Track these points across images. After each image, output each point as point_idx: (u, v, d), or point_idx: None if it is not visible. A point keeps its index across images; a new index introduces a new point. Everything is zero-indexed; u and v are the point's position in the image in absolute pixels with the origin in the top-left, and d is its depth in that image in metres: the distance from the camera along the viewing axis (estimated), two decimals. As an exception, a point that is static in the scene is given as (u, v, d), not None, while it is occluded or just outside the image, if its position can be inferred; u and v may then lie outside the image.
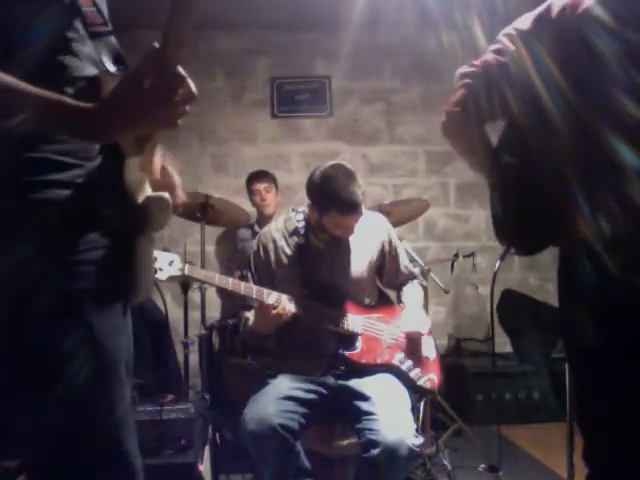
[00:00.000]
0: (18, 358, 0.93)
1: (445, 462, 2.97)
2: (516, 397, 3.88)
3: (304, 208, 2.29)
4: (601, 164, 1.19)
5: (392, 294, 2.49)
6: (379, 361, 2.18)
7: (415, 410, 2.44)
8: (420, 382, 2.22)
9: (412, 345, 2.25)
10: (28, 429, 0.95)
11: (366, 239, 2.29)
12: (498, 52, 1.38)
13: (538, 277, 4.58)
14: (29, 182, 0.91)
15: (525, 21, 1.34)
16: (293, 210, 2.36)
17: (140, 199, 1.02)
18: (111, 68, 0.99)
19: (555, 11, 1.27)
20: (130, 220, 1.00)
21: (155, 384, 3.23)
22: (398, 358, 2.21)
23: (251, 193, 3.85)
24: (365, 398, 2.04)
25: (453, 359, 4.21)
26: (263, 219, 3.75)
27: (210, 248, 4.12)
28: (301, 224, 2.28)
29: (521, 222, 1.36)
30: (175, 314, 3.74)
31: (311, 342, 2.21)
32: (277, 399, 2.01)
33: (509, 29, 1.38)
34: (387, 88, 4.62)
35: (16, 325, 0.91)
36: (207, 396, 2.94)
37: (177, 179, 1.18)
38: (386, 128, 4.64)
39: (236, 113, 4.56)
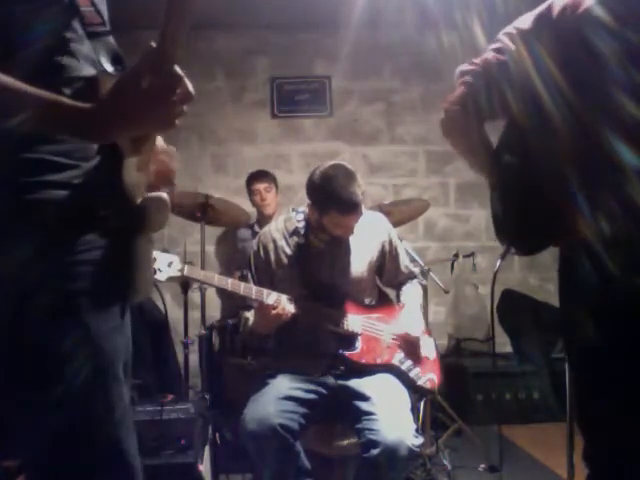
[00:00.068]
0: (18, 358, 0.93)
1: (445, 462, 2.97)
2: (516, 397, 3.88)
3: (304, 208, 2.29)
4: (601, 164, 1.19)
5: (392, 293, 2.49)
6: (379, 361, 2.18)
7: (415, 410, 2.44)
8: (420, 382, 2.22)
9: (409, 346, 2.25)
10: (28, 429, 0.95)
11: (366, 239, 2.29)
12: (498, 51, 1.38)
13: (538, 277, 4.58)
14: (26, 183, 0.91)
15: (526, 20, 1.34)
16: (293, 210, 2.35)
17: (138, 199, 1.02)
18: (109, 68, 0.99)
19: (556, 11, 1.27)
20: (128, 220, 1.00)
21: (155, 384, 3.23)
22: (398, 358, 2.21)
23: (251, 193, 3.85)
24: (365, 398, 2.04)
25: (453, 359, 4.21)
26: (263, 219, 3.75)
27: (210, 248, 4.13)
28: (301, 224, 2.28)
29: (521, 222, 1.36)
30: (175, 314, 3.74)
31: (311, 342, 2.21)
32: (277, 399, 2.01)
33: (510, 28, 1.38)
34: (387, 88, 4.62)
35: (16, 325, 0.91)
36: (207, 396, 2.94)
37: (174, 162, 1.18)
38: (386, 128, 4.64)
39: (236, 113, 4.56)
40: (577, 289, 1.30)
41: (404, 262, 2.41)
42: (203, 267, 3.14)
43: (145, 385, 2.98)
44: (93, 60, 0.99)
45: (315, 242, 2.25)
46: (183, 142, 4.33)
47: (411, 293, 2.40)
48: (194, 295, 3.53)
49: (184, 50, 0.87)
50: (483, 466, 3.02)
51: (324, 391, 2.14)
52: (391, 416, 1.95)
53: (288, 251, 2.26)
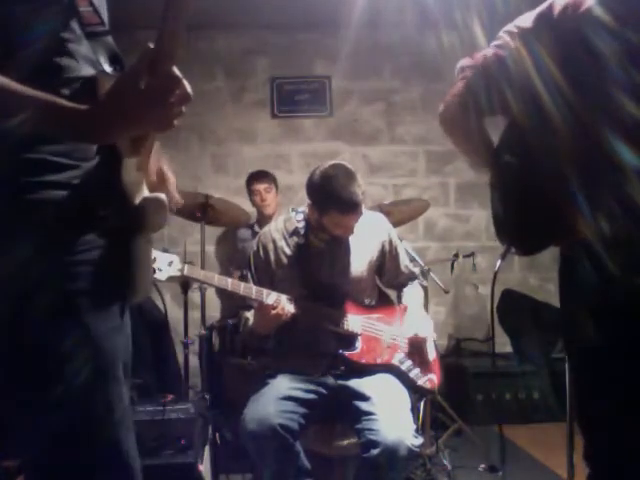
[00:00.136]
0: (18, 358, 0.93)
1: (445, 462, 2.97)
2: (516, 397, 3.88)
3: (304, 208, 2.29)
4: (601, 164, 1.19)
5: (392, 294, 2.49)
6: (379, 361, 2.18)
7: (415, 410, 2.44)
8: (420, 382, 2.22)
9: (416, 350, 2.24)
10: (28, 429, 0.95)
11: (366, 239, 2.29)
12: (498, 47, 1.38)
13: (538, 277, 4.58)
14: (26, 183, 0.91)
15: (527, 19, 1.34)
16: (293, 210, 2.35)
17: (137, 200, 1.02)
18: (107, 68, 0.99)
19: (557, 10, 1.27)
20: (127, 220, 1.00)
21: (155, 384, 3.23)
22: (398, 358, 2.21)
23: (251, 193, 3.85)
24: (365, 398, 2.04)
25: (453, 359, 4.21)
26: (263, 219, 3.75)
27: (210, 248, 4.13)
28: (301, 224, 2.28)
29: (521, 222, 1.36)
30: (175, 314, 3.74)
31: (311, 342, 2.21)
32: (277, 399, 2.01)
33: (511, 26, 1.38)
34: (387, 88, 4.62)
35: (15, 325, 0.91)
36: (207, 396, 2.94)
37: (173, 181, 1.18)
38: (386, 128, 4.64)
39: (236, 113, 4.56)
40: (577, 289, 1.31)
41: (404, 262, 2.41)
42: (203, 267, 3.14)
43: (145, 385, 2.98)
44: (92, 60, 0.99)
45: (315, 242, 2.25)
46: (183, 142, 4.34)
47: (412, 295, 2.39)
48: (194, 295, 3.53)
49: (183, 50, 0.87)
50: (483, 466, 3.02)
51: (324, 391, 2.14)
52: (391, 416, 1.95)
53: (288, 251, 2.26)
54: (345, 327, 2.17)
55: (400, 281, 2.43)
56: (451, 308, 4.56)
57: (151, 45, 0.86)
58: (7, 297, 0.91)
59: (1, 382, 0.96)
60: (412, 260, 2.75)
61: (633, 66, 1.16)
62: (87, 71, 0.98)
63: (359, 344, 2.17)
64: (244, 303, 2.26)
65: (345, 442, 2.12)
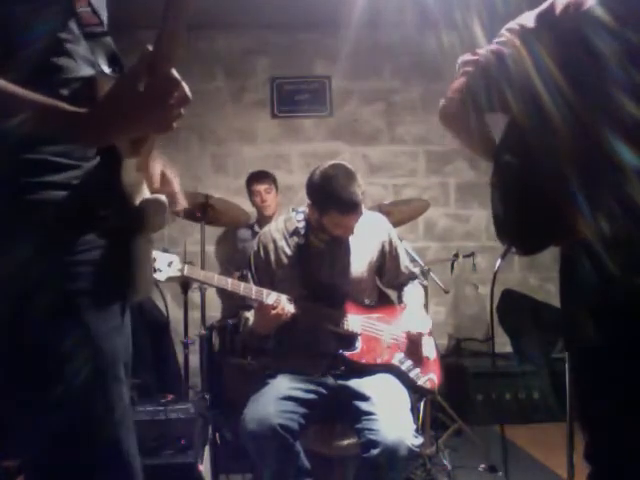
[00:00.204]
0: (18, 358, 0.93)
1: (445, 462, 2.97)
2: (516, 397, 3.88)
3: (304, 208, 2.29)
4: (601, 164, 1.19)
5: (392, 294, 2.49)
6: (379, 361, 2.18)
7: (415, 410, 2.44)
8: (420, 382, 2.22)
9: (413, 345, 2.25)
10: (27, 429, 0.95)
11: (366, 239, 2.29)
12: (500, 44, 1.38)
13: (538, 277, 4.58)
14: (26, 183, 0.91)
15: (529, 18, 1.34)
16: (293, 210, 2.35)
17: (137, 200, 1.02)
18: (106, 69, 0.99)
19: (559, 9, 1.27)
20: (127, 221, 1.00)
21: (155, 384, 3.23)
22: (398, 358, 2.21)
23: (251, 194, 3.85)
24: (365, 398, 2.04)
25: (453, 359, 4.21)
26: (263, 219, 3.75)
27: (210, 248, 4.13)
28: (301, 224, 2.28)
29: (521, 221, 1.36)
30: (175, 314, 3.74)
31: (311, 342, 2.21)
32: (277, 399, 2.01)
33: (513, 24, 1.37)
34: (387, 88, 4.62)
35: (16, 325, 0.91)
36: (207, 396, 2.94)
37: (177, 185, 1.18)
38: (386, 128, 4.64)
39: (236, 113, 4.56)
40: (577, 289, 1.31)
41: (404, 262, 2.41)
42: (203, 267, 3.14)
43: (145, 385, 2.98)
44: (91, 61, 0.99)
45: (315, 242, 2.25)
46: (183, 142, 4.34)
47: (412, 294, 2.39)
48: (194, 295, 3.53)
49: (183, 51, 0.88)
50: (483, 466, 3.02)
51: (324, 391, 2.14)
52: (391, 416, 1.95)
53: (288, 251, 2.26)
54: (345, 327, 2.17)
55: (400, 281, 2.43)
56: (451, 308, 4.56)
57: (150, 47, 0.87)
58: (7, 297, 0.91)
59: (1, 382, 0.96)
60: (412, 260, 2.75)
61: (633, 66, 1.16)
62: (86, 71, 0.98)
63: (359, 344, 2.17)
64: (244, 303, 2.26)
65: (345, 442, 2.12)
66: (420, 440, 2.01)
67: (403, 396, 2.10)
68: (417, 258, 2.99)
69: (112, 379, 0.99)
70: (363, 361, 2.16)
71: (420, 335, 2.24)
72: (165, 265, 2.01)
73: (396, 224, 2.89)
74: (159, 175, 1.13)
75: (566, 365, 2.00)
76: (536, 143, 1.28)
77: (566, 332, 1.40)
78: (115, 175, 0.98)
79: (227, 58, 4.55)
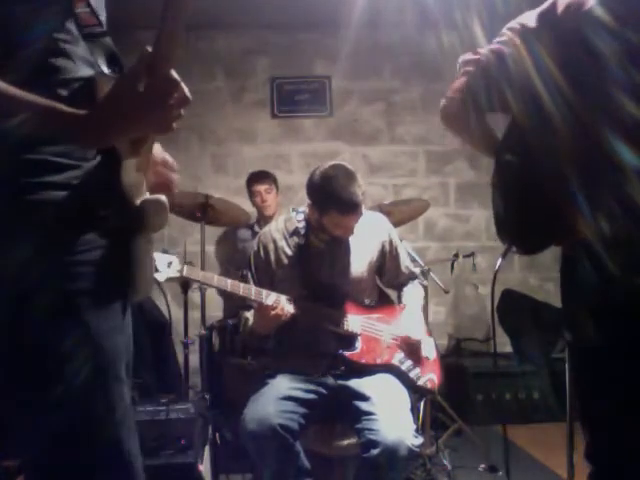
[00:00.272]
0: (18, 358, 0.93)
1: (445, 462, 2.97)
2: (516, 397, 3.88)
3: (304, 208, 2.29)
4: (601, 164, 1.19)
5: (393, 294, 2.49)
6: (379, 361, 2.18)
7: (415, 410, 2.44)
8: (420, 382, 2.22)
9: (410, 349, 2.24)
10: (27, 429, 0.95)
11: (366, 239, 2.29)
12: (501, 44, 1.38)
13: (538, 277, 4.58)
14: (27, 184, 0.91)
15: (530, 17, 1.34)
16: (293, 210, 2.35)
17: (137, 201, 1.02)
18: (105, 69, 0.99)
19: (560, 8, 1.27)
20: (127, 221, 1.00)
21: (155, 384, 3.23)
22: (398, 358, 2.21)
23: (251, 194, 3.85)
24: (365, 398, 2.04)
25: (453, 359, 4.21)
26: (263, 220, 3.75)
27: (210, 248, 4.12)
28: (301, 224, 2.28)
29: (522, 221, 1.36)
30: (175, 314, 3.73)
31: (311, 342, 2.21)
32: (277, 399, 2.01)
33: (514, 23, 1.38)
34: (387, 88, 4.62)
35: (16, 325, 0.91)
36: (207, 396, 2.94)
37: (170, 161, 1.18)
38: (386, 128, 4.64)
39: (236, 113, 4.56)
40: (578, 289, 1.31)
41: (404, 262, 2.41)
42: (203, 267, 3.14)
43: (145, 385, 2.98)
44: (90, 61, 0.99)
45: (315, 242, 2.25)
46: (183, 142, 4.34)
47: (412, 294, 2.39)
48: (194, 295, 3.53)
49: (182, 51, 0.87)
50: (483, 466, 3.02)
51: (324, 391, 2.14)
52: (391, 416, 1.95)
53: (288, 251, 2.26)
54: (345, 327, 2.17)
55: (400, 281, 2.43)
56: (451, 308, 4.56)
57: (149, 48, 0.87)
58: (7, 297, 0.91)
59: (1, 382, 0.96)
60: (412, 260, 2.75)
61: (633, 66, 1.16)
62: (85, 72, 0.97)
63: (359, 344, 2.17)
64: (244, 303, 2.26)
65: (345, 442, 2.12)
66: (420, 440, 2.01)
67: (403, 396, 2.10)
68: (417, 258, 2.99)
69: (113, 379, 0.99)
70: (363, 361, 2.16)
71: (418, 342, 2.24)
72: (165, 266, 2.01)
73: (396, 224, 2.89)
74: (161, 161, 1.13)
75: (566, 365, 2.00)
76: (536, 143, 1.28)
77: (567, 332, 1.40)
78: (115, 175, 0.98)
79: (227, 58, 4.55)
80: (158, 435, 2.22)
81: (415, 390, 2.23)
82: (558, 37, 1.27)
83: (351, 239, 2.25)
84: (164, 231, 3.33)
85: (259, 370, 2.52)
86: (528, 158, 1.30)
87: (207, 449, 2.43)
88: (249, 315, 2.23)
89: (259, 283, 2.20)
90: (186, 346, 3.10)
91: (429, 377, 2.25)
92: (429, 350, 2.30)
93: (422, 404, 2.97)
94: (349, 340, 2.18)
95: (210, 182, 4.41)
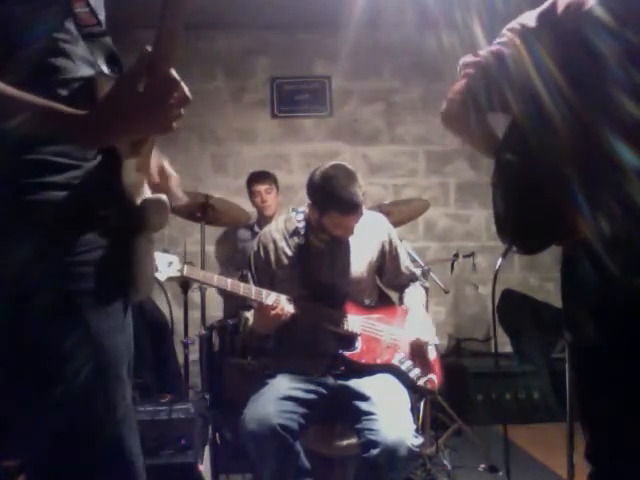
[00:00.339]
0: (18, 358, 0.93)
1: (445, 462, 2.97)
2: (516, 397, 3.88)
3: (304, 208, 2.29)
4: (601, 164, 1.19)
5: (393, 295, 2.49)
6: (379, 361, 2.18)
7: (415, 410, 2.44)
8: (420, 382, 2.22)
9: (418, 353, 2.24)
10: (28, 429, 0.95)
11: (366, 239, 2.29)
12: (501, 45, 1.38)
13: (538, 277, 4.58)
14: (27, 184, 0.91)
15: (530, 17, 1.34)
16: (293, 210, 2.35)
17: (138, 200, 1.02)
18: (105, 69, 0.99)
19: (560, 8, 1.27)
20: (128, 221, 1.00)
21: (155, 384, 3.23)
22: (398, 358, 2.21)
23: (251, 194, 3.85)
24: (365, 398, 2.04)
25: (453, 359, 4.21)
26: (263, 220, 3.75)
27: (210, 248, 4.12)
28: (301, 224, 2.28)
29: (522, 221, 1.36)
30: (175, 314, 3.73)
31: (311, 342, 2.21)
32: (277, 399, 2.01)
33: (514, 24, 1.38)
34: (387, 88, 4.63)
35: (16, 325, 0.91)
36: (207, 396, 2.94)
37: (175, 180, 1.18)
38: (386, 128, 4.64)
39: (236, 113, 4.56)
40: (578, 289, 1.31)
41: (405, 263, 2.41)
42: (203, 267, 3.14)
43: (145, 385, 2.98)
44: (90, 61, 0.99)
45: (315, 242, 2.25)
46: (183, 142, 4.34)
47: (414, 296, 2.39)
48: (194, 295, 3.53)
49: (182, 51, 0.87)
50: (483, 466, 3.02)
51: (324, 391, 2.14)
52: (391, 416, 1.95)
53: (288, 251, 2.26)
54: (345, 327, 2.17)
55: (401, 282, 2.43)
56: (451, 308, 4.56)
57: (149, 48, 0.86)
58: (8, 297, 0.91)
59: (1, 382, 0.96)
60: (413, 260, 2.75)
61: (633, 66, 1.16)
62: (85, 72, 0.97)
63: (359, 344, 2.17)
64: (244, 303, 2.26)
65: (345, 442, 2.12)
66: (420, 440, 2.01)
67: (403, 396, 2.10)
68: (417, 258, 2.99)
69: (114, 378, 0.99)
70: (363, 361, 2.16)
71: (425, 344, 2.23)
72: (165, 265, 2.01)
73: (396, 224, 2.89)
74: (157, 170, 1.13)
75: (566, 365, 2.00)
76: (536, 143, 1.28)
77: (567, 332, 1.40)
78: (115, 175, 0.98)
79: (227, 58, 4.55)
80: (158, 435, 2.22)
81: (415, 390, 2.23)
82: (558, 37, 1.27)
83: (351, 239, 2.25)
84: (164, 231, 3.32)
85: (259, 370, 2.52)
86: (528, 158, 1.30)
87: (207, 449, 2.43)
88: (249, 315, 2.23)
89: (259, 283, 2.20)
90: (186, 346, 3.10)
91: (429, 377, 2.25)
92: (429, 350, 2.30)
93: (422, 404, 2.97)
94: (349, 340, 2.18)
95: (210, 182, 4.41)
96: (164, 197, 1.04)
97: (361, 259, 2.27)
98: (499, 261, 2.44)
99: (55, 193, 0.92)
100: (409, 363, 2.22)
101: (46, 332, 0.92)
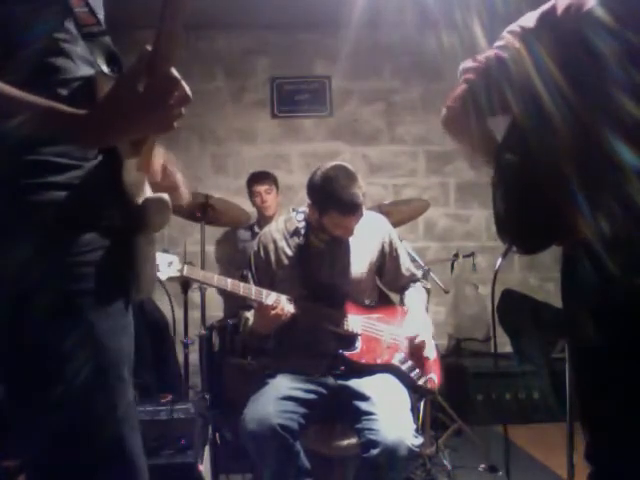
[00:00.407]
0: (18, 358, 0.93)
1: (445, 462, 2.97)
2: (516, 397, 3.88)
3: (304, 208, 2.29)
4: (601, 164, 1.19)
5: (395, 298, 2.48)
6: (379, 361, 2.18)
7: (415, 410, 2.43)
8: (420, 382, 2.22)
9: (415, 350, 2.24)
10: (28, 429, 0.95)
11: (366, 239, 2.29)
12: (500, 49, 1.38)
13: (538, 277, 4.58)
14: (28, 184, 0.91)
15: (530, 19, 1.35)
16: (294, 210, 2.35)
17: (139, 200, 1.02)
18: (105, 69, 0.99)
19: (560, 9, 1.27)
20: (129, 220, 1.00)
21: (155, 384, 3.23)
22: (398, 358, 2.21)
23: (252, 194, 3.85)
24: (365, 398, 2.04)
25: (453, 359, 4.21)
26: (263, 220, 3.75)
27: (210, 248, 4.13)
28: (301, 224, 2.28)
29: (522, 221, 1.36)
30: (175, 314, 3.73)
31: (311, 342, 2.21)
32: (277, 399, 2.01)
33: (514, 26, 1.38)
34: (387, 88, 4.63)
35: (16, 325, 0.91)
36: (207, 396, 2.94)
37: (180, 178, 1.18)
38: (386, 128, 4.64)
39: (236, 113, 4.56)
40: (578, 289, 1.31)
41: (405, 264, 2.41)
42: (203, 267, 3.14)
43: (145, 385, 2.98)
44: (89, 61, 0.99)
45: (315, 242, 2.25)
46: (183, 142, 4.34)
47: (414, 297, 2.38)
48: (194, 295, 3.53)
49: (182, 50, 0.88)
50: (483, 466, 3.02)
51: (324, 391, 2.14)
52: (391, 416, 1.95)
53: (288, 251, 2.26)
54: (345, 327, 2.17)
55: (401, 284, 2.43)
56: (451, 308, 4.56)
57: (149, 47, 0.86)
58: (8, 297, 0.91)
59: (2, 382, 0.96)
60: (413, 260, 2.75)
61: (633, 66, 1.16)
62: (85, 71, 0.97)
63: (359, 344, 2.17)
64: (245, 303, 2.26)
65: (345, 442, 2.12)
66: (420, 440, 2.01)
67: (403, 396, 2.10)
68: (417, 258, 2.99)
69: (115, 378, 0.99)
70: (363, 361, 2.16)
71: (424, 343, 2.23)
72: (165, 265, 2.01)
73: (396, 224, 2.89)
74: (160, 168, 1.13)
75: (566, 365, 2.01)
76: (536, 143, 1.28)
77: (568, 331, 1.40)
78: (116, 175, 0.98)
79: (227, 58, 4.55)
80: (158, 435, 2.22)
81: (415, 390, 2.23)
82: (558, 37, 1.27)
83: (351, 239, 2.25)
84: (164, 231, 3.33)
85: (259, 370, 2.52)
86: (528, 158, 1.30)
87: (207, 449, 2.43)
88: (249, 315, 2.23)
89: (259, 283, 2.20)
90: (186, 346, 3.11)
91: (429, 377, 2.25)
92: (429, 350, 2.30)
93: (422, 404, 2.96)
94: (349, 340, 2.18)
95: (210, 182, 4.41)
96: (165, 196, 1.04)
97: (361, 259, 2.27)
98: (499, 261, 2.44)
99: (56, 193, 0.92)
100: (409, 363, 2.22)
101: (46, 332, 0.92)
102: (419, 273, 2.53)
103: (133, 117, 0.89)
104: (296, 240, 2.26)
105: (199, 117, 4.33)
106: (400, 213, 3.27)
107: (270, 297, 2.07)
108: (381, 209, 3.08)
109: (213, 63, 4.52)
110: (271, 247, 2.27)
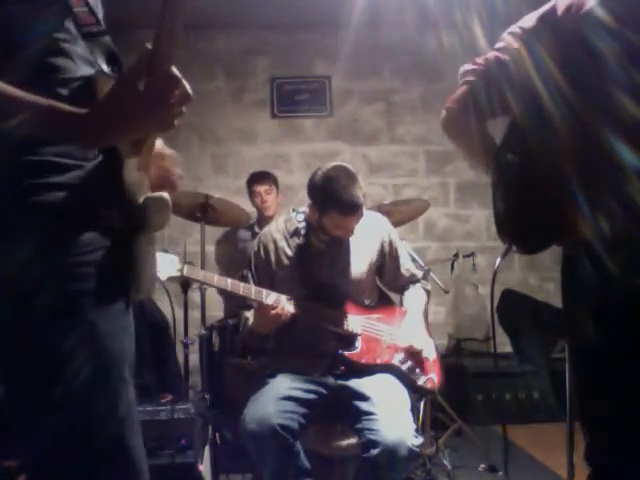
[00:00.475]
0: (18, 358, 0.93)
1: (445, 462, 2.97)
2: (516, 397, 3.88)
3: (305, 208, 2.29)
4: (601, 164, 1.19)
5: (395, 298, 2.48)
6: (379, 361, 2.18)
7: (415, 410, 2.44)
8: (420, 382, 2.22)
9: (413, 356, 2.24)
10: (28, 429, 0.95)
11: (366, 239, 2.29)
12: (500, 50, 1.38)
13: (538, 277, 4.58)
14: (28, 185, 0.91)
15: (530, 20, 1.35)
16: (294, 210, 2.35)
17: (140, 199, 1.02)
18: (105, 68, 0.99)
19: (560, 10, 1.27)
20: (130, 220, 1.00)
21: (155, 384, 3.23)
22: (398, 358, 2.21)
23: (252, 194, 3.85)
24: (365, 398, 2.04)
25: (453, 359, 4.21)
26: (263, 220, 3.75)
27: (210, 248, 4.13)
28: (302, 224, 2.28)
29: (522, 220, 1.36)
30: (175, 314, 3.73)
31: (311, 342, 2.21)
32: (277, 399, 2.01)
33: (514, 27, 1.38)
34: (387, 88, 4.63)
35: (16, 325, 0.91)
36: (207, 396, 2.94)
37: (172, 158, 1.18)
38: (386, 128, 4.64)
39: (236, 113, 4.56)
40: (578, 289, 1.31)
41: (405, 264, 2.40)
42: (203, 267, 3.14)
43: (145, 385, 2.98)
44: (89, 60, 0.99)
45: (315, 242, 2.25)
46: (183, 142, 4.34)
47: (414, 298, 2.38)
48: (194, 295, 3.53)
49: (182, 50, 0.88)
50: (483, 466, 3.02)
51: (324, 391, 2.14)
52: (391, 416, 1.95)
53: (288, 251, 2.26)
54: (345, 327, 2.17)
55: (401, 284, 2.43)
56: (451, 308, 4.56)
57: (149, 46, 0.86)
58: (9, 297, 0.91)
59: (2, 382, 0.96)
60: (413, 260, 2.74)
61: (633, 66, 1.16)
62: (85, 71, 0.97)
63: (359, 344, 2.17)
64: (244, 303, 2.26)
65: (345, 442, 2.12)
66: (420, 440, 2.01)
67: (403, 396, 2.10)
68: (417, 258, 2.99)
69: (116, 378, 0.99)
70: (363, 361, 2.16)
71: (421, 352, 2.23)
72: (165, 265, 2.01)
73: (396, 224, 2.89)
74: (161, 153, 1.13)
75: (566, 365, 2.00)
76: (536, 143, 1.28)
77: (568, 331, 1.40)
78: (117, 175, 0.98)
79: (227, 58, 4.55)
80: (158, 435, 2.22)
81: (415, 390, 2.23)
82: (558, 38, 1.27)
83: (351, 239, 2.25)
84: (164, 231, 3.32)
85: (259, 370, 2.52)
86: (528, 158, 1.30)
87: (207, 449, 2.43)
88: (249, 315, 2.23)
89: (259, 283, 2.20)
90: (186, 346, 3.11)
91: (429, 377, 2.25)
92: (429, 350, 2.30)
93: (422, 404, 2.97)
94: (349, 340, 2.18)
95: (210, 182, 4.41)
96: (166, 195, 1.04)
97: (361, 259, 2.27)
98: (499, 261, 2.44)
99: (57, 193, 0.92)
100: (409, 363, 2.22)
101: (47, 332, 0.92)
102: (419, 273, 2.52)
103: (134, 116, 0.89)
104: (296, 240, 2.26)
105: (199, 117, 4.33)
106: (400, 213, 3.27)
107: (270, 297, 2.07)
108: (381, 209, 3.08)
109: (213, 63, 4.52)
110: (271, 247, 2.27)
